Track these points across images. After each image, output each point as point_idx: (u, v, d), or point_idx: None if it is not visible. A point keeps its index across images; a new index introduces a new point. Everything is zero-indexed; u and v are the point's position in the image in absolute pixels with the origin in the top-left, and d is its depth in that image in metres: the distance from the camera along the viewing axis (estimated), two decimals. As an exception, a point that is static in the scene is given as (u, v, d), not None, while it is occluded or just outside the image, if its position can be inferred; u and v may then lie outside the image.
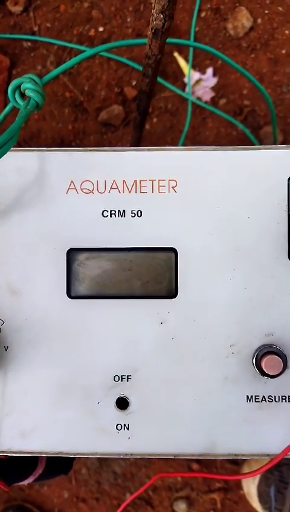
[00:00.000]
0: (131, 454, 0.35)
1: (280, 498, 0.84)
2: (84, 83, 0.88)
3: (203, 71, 0.89)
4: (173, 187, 0.36)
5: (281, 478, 0.85)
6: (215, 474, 0.82)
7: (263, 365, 0.34)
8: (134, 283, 0.36)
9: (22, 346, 0.36)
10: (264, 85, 0.91)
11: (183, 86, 0.89)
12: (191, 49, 0.87)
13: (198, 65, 0.89)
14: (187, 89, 0.88)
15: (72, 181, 0.36)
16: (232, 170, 0.36)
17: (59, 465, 0.51)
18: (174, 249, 0.36)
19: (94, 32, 0.89)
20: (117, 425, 0.36)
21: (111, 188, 0.36)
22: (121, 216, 0.36)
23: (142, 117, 0.51)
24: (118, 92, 0.87)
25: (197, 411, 0.36)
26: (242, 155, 0.36)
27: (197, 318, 0.36)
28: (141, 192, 0.36)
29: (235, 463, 0.91)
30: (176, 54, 0.89)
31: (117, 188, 0.36)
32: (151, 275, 0.36)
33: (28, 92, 0.37)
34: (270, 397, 0.36)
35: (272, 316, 0.36)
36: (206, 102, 0.89)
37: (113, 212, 0.36)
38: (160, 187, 0.36)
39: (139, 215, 0.36)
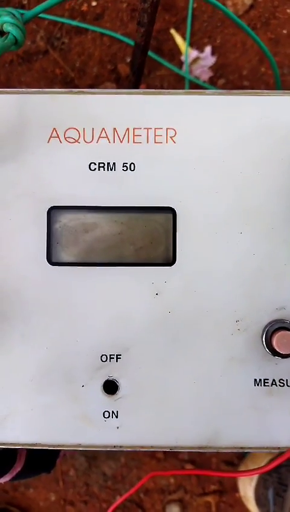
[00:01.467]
0: (120, 446, 0.30)
1: (279, 501, 0.79)
2: (75, 59, 0.83)
3: (201, 50, 0.85)
4: (171, 137, 0.31)
5: (280, 480, 0.80)
6: (213, 471, 0.77)
7: (274, 343, 0.30)
8: (125, 248, 0.31)
9: (-6, 320, 0.31)
10: (265, 66, 0.87)
11: (180, 64, 0.84)
12: (188, 25, 0.83)
13: (196, 43, 0.85)
14: (184, 67, 0.83)
15: (54, 129, 0.31)
16: (241, 118, 0.31)
17: (40, 462, 0.46)
18: (172, 208, 0.31)
19: (87, 7, 0.85)
20: (104, 413, 0.31)
21: (100, 137, 0.31)
22: (111, 170, 0.31)
23: (137, 76, 0.47)
24: (111, 69, 0.83)
25: (197, 397, 0.31)
26: (252, 101, 0.31)
27: (198, 288, 0.31)
28: (134, 142, 0.31)
29: (232, 464, 0.86)
30: (172, 31, 0.84)
31: (106, 137, 0.31)
32: (146, 239, 0.31)
33: (6, 27, 0.32)
34: (281, 381, 0.31)
35: (284, 288, 0.31)
36: (204, 82, 0.84)
37: (101, 164, 0.31)
38: (156, 137, 0.31)
39: (131, 168, 0.31)
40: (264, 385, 0.31)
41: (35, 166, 0.31)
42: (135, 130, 0.31)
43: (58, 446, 0.31)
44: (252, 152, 0.31)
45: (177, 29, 0.84)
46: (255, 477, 0.81)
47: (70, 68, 0.83)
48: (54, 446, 0.31)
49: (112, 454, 0.89)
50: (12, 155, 0.31)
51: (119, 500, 0.63)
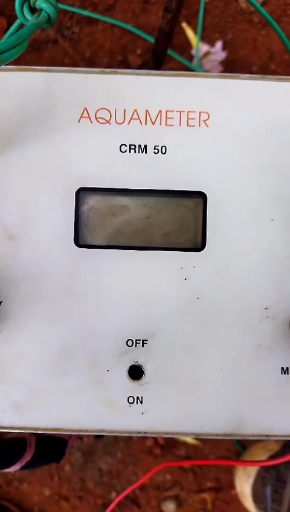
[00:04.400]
0: (144, 432, 0.30)
1: (277, 498, 0.80)
2: (85, 49, 0.82)
3: (212, 44, 0.84)
4: (204, 121, 0.31)
5: (278, 477, 0.80)
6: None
7: (302, 331, 0.29)
8: (154, 233, 0.31)
9: (18, 301, 0.30)
10: (274, 64, 0.87)
11: (190, 58, 0.84)
12: (200, 20, 0.83)
13: (207, 38, 0.84)
14: (195, 61, 0.83)
15: (85, 109, 0.31)
16: (274, 103, 0.31)
17: (50, 451, 0.45)
18: (203, 193, 0.31)
19: (98, -3, 0.84)
20: (129, 398, 0.30)
21: (131, 119, 0.31)
22: (142, 152, 0.31)
23: (158, 64, 0.46)
24: (121, 60, 0.82)
25: (223, 384, 0.30)
26: (286, 87, 0.31)
27: (227, 274, 0.31)
28: (166, 125, 0.31)
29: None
30: (184, 25, 0.84)
31: (138, 119, 0.31)
32: (175, 223, 0.31)
33: (39, 4, 0.32)
34: (308, 370, 0.31)
35: (313, 277, 0.31)
36: (214, 77, 0.84)
37: (133, 146, 0.31)
38: (189, 120, 0.31)
39: (163, 151, 0.31)
40: (291, 374, 0.31)
41: (64, 146, 0.31)
42: (168, 113, 0.31)
43: (81, 431, 0.30)
44: (285, 138, 0.31)
45: (189, 23, 0.84)
46: (252, 474, 0.81)
47: (79, 58, 0.82)
48: (76, 431, 0.30)
49: (108, 450, 0.89)
50: (42, 134, 0.31)
51: (122, 494, 0.62)
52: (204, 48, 0.83)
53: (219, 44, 0.84)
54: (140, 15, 0.82)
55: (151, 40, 0.81)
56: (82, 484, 0.89)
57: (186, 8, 0.84)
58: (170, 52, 0.82)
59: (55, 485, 0.88)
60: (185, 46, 0.84)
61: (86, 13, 0.82)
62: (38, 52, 0.83)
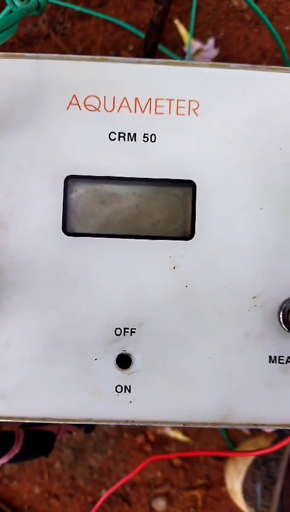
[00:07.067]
0: (132, 421, 0.30)
1: (267, 494, 0.80)
2: (77, 44, 0.82)
3: (204, 42, 0.84)
4: (194, 110, 0.31)
5: (269, 473, 0.80)
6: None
7: (290, 320, 0.29)
8: (143, 221, 0.31)
9: (5, 290, 0.30)
10: (266, 61, 0.87)
11: (182, 55, 0.84)
12: (192, 17, 0.83)
13: (199, 35, 0.85)
14: (187, 58, 0.83)
15: (74, 96, 0.31)
16: (265, 93, 0.31)
17: (38, 444, 0.45)
18: (192, 182, 0.31)
19: (90, -8, 0.84)
20: (117, 387, 0.30)
21: (121, 106, 0.31)
22: (131, 140, 0.31)
23: (149, 57, 0.46)
24: (113, 56, 0.82)
25: (212, 372, 0.30)
26: (277, 77, 0.31)
27: (216, 263, 0.31)
28: (156, 113, 0.31)
29: (219, 459, 0.86)
30: (176, 22, 0.84)
31: (128, 107, 0.31)
32: (164, 212, 0.31)
33: (27, -10, 0.31)
34: (297, 359, 0.31)
35: (302, 266, 0.31)
36: (206, 74, 0.84)
37: (122, 134, 0.31)
38: (179, 109, 0.31)
39: (152, 139, 0.31)
40: (279, 363, 0.31)
41: (53, 134, 0.30)
42: (157, 101, 0.31)
43: (69, 420, 0.30)
44: (275, 127, 0.31)
45: (181, 20, 0.84)
46: (243, 471, 0.81)
47: (72, 53, 0.82)
48: (64, 420, 0.30)
49: (99, 447, 0.88)
50: (30, 121, 0.30)
51: (110, 490, 0.62)
52: (196, 45, 0.83)
53: (211, 41, 0.84)
54: (132, 11, 0.82)
55: (144, 36, 0.81)
56: (72, 481, 0.88)
57: (179, 5, 0.84)
58: (162, 48, 0.82)
59: (45, 482, 0.88)
60: (178, 43, 0.84)
61: (78, 8, 0.82)
62: (30, 47, 0.83)
